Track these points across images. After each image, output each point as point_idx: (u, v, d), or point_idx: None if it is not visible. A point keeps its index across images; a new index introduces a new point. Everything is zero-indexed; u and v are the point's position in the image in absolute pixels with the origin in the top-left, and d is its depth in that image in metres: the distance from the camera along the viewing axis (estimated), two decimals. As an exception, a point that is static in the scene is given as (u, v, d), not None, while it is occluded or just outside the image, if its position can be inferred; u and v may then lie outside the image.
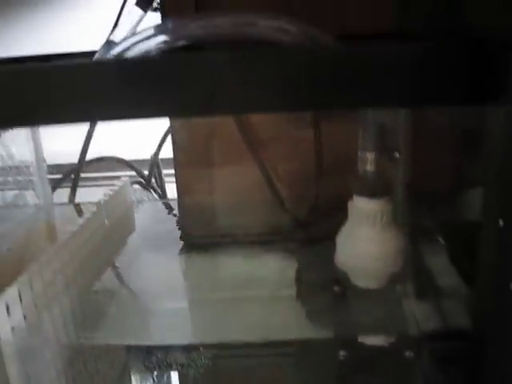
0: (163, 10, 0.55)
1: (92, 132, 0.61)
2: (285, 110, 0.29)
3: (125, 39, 0.41)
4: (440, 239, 0.50)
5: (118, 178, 0.72)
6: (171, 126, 0.56)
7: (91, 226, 0.47)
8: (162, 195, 0.66)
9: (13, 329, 0.34)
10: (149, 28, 0.39)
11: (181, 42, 0.39)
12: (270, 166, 0.56)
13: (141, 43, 0.40)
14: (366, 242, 0.40)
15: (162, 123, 0.62)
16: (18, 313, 0.35)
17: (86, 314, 0.42)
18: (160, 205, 0.63)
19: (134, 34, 0.40)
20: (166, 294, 0.46)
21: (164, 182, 0.67)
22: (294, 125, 0.56)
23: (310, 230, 0.55)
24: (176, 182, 0.56)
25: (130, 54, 0.41)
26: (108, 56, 0.42)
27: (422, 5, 0.50)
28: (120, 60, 0.28)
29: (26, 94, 0.29)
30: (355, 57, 0.27)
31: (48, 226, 0.56)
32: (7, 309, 0.33)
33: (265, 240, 0.54)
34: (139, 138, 0.68)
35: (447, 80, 0.27)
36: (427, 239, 0.50)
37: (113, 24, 0.62)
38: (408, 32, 0.51)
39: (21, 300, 0.35)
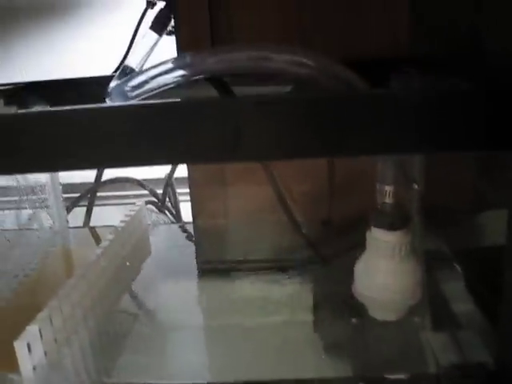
0: (177, 33, 0.55)
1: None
2: (309, 155, 0.29)
3: (143, 72, 0.41)
4: (457, 266, 0.50)
5: (130, 197, 0.73)
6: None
7: (109, 254, 0.47)
8: (177, 215, 0.66)
9: (34, 368, 0.34)
10: (167, 61, 0.39)
11: (198, 76, 0.40)
12: (284, 186, 0.55)
13: (159, 76, 0.40)
14: (384, 274, 0.40)
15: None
16: (39, 350, 0.35)
17: (104, 346, 0.42)
18: (175, 227, 0.63)
19: (152, 66, 0.40)
20: (181, 322, 0.46)
21: (178, 202, 0.67)
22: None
23: (324, 251, 0.54)
24: (191, 201, 0.56)
25: (148, 86, 0.41)
26: (126, 88, 0.43)
27: (438, 29, 0.50)
28: (145, 105, 0.28)
29: (40, 140, 0.29)
30: (381, 103, 0.27)
31: (63, 250, 0.57)
32: (28, 348, 0.33)
33: (281, 265, 0.53)
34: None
35: (472, 125, 0.27)
36: (444, 266, 0.50)
37: (127, 47, 0.63)
38: (424, 57, 0.51)
39: (41, 336, 0.35)
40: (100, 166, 0.26)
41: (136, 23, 0.65)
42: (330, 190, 0.55)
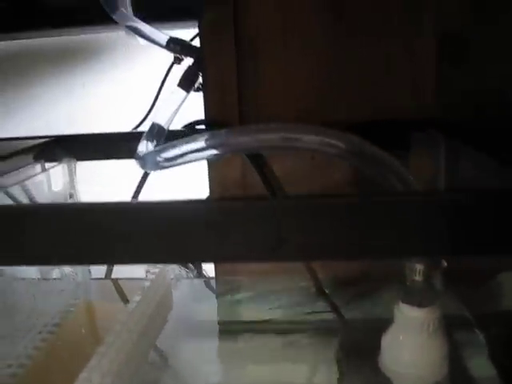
0: (205, 90, 0.56)
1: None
2: (351, 258, 0.29)
3: (176, 145, 0.42)
4: (478, 332, 0.50)
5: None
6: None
7: (135, 316, 0.48)
8: (198, 266, 0.66)
9: None
10: (201, 137, 0.40)
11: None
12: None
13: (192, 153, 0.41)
14: (411, 349, 0.40)
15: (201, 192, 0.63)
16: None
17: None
18: (198, 281, 0.63)
19: (185, 140, 0.41)
20: (202, 380, 0.47)
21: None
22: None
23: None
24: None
25: (181, 160, 0.42)
26: (158, 158, 0.44)
27: (465, 91, 0.51)
28: (186, 203, 0.28)
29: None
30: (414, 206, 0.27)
31: (87, 305, 0.57)
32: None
33: (303, 325, 0.54)
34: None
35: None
36: (465, 331, 0.50)
37: (152, 102, 0.64)
38: (449, 119, 0.52)
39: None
40: (134, 263, 0.27)
41: (158, 71, 0.67)
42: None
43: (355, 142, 0.38)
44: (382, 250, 0.28)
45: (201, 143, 0.39)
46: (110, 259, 0.32)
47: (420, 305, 0.39)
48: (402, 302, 0.40)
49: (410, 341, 0.40)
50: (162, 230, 0.29)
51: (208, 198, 0.56)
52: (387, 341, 0.42)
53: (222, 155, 0.39)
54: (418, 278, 0.39)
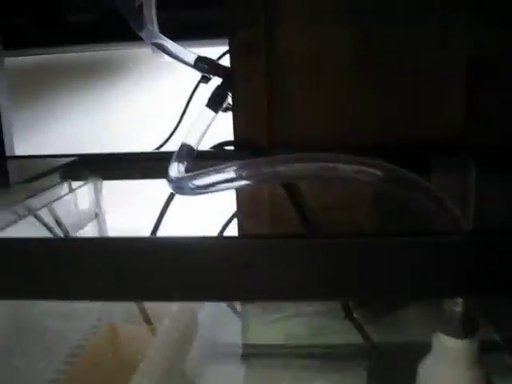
0: (234, 110, 0.55)
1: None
2: (378, 298, 0.29)
3: (209, 174, 0.41)
4: (508, 357, 0.49)
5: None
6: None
7: (166, 342, 0.47)
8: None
9: None
10: (234, 166, 0.39)
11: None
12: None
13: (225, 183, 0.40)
14: (450, 381, 0.40)
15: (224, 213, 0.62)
16: None
17: None
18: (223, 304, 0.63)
19: (218, 168, 0.41)
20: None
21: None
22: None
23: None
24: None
25: (213, 189, 0.41)
26: (190, 185, 0.43)
27: (495, 118, 0.50)
28: (220, 240, 0.28)
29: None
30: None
31: (111, 327, 0.57)
32: None
33: (330, 350, 0.53)
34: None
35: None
36: (494, 356, 0.49)
37: (178, 121, 0.64)
38: (479, 146, 0.51)
39: None
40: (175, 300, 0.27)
41: (182, 89, 0.67)
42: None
43: (393, 171, 0.37)
44: (418, 290, 0.27)
45: (234, 174, 0.39)
46: (132, 297, 0.32)
47: (460, 336, 0.39)
48: (442, 332, 0.39)
49: (448, 371, 0.39)
50: (188, 268, 0.28)
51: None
52: (424, 370, 0.41)
53: (255, 184, 0.39)
54: (458, 308, 0.39)
